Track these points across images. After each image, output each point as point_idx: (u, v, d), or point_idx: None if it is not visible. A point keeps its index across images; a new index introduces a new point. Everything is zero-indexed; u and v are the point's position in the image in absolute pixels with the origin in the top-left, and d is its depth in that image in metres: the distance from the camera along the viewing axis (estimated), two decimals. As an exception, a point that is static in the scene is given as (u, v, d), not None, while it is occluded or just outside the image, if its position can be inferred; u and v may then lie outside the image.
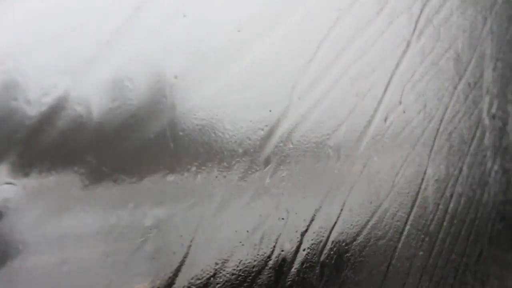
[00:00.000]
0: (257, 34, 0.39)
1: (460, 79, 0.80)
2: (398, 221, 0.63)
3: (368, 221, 0.56)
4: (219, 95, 0.36)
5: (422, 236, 0.69)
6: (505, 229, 1.07)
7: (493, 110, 0.94)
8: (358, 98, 0.52)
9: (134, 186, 0.31)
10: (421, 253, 0.68)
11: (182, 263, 0.35)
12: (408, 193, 0.65)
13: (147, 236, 0.32)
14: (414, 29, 0.62)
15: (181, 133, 0.34)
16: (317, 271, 0.48)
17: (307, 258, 0.47)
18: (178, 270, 0.34)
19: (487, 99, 0.91)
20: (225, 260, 0.39)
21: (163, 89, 0.32)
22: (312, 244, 0.47)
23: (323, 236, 0.49)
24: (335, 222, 0.50)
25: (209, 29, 0.35)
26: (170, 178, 0.33)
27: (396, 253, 0.62)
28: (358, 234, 0.55)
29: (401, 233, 0.63)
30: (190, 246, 0.35)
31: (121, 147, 0.29)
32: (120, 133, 0.29)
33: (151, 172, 0.32)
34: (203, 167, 0.36)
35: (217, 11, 0.35)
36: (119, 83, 0.29)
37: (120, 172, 0.30)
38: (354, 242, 0.54)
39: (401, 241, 0.63)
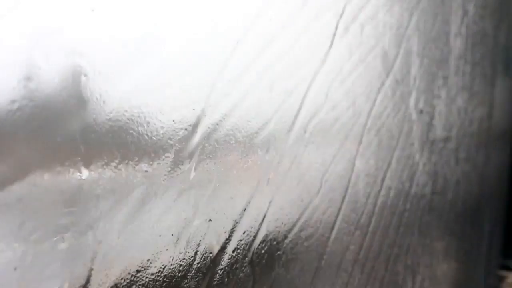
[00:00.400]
0: (174, 29, 0.38)
1: (387, 75, 0.82)
2: (329, 216, 0.63)
3: (299, 218, 0.56)
4: (135, 94, 0.35)
5: (353, 230, 0.70)
6: (433, 220, 1.11)
7: (420, 105, 0.97)
8: (284, 95, 0.52)
9: (38, 191, 0.29)
10: (352, 246, 0.69)
11: (95, 270, 0.33)
12: (338, 188, 0.65)
13: (56, 243, 0.30)
14: (339, 26, 0.62)
15: (93, 135, 0.32)
16: (247, 271, 0.48)
17: (236, 258, 0.46)
18: (89, 278, 0.32)
19: (414, 94, 0.93)
20: (147, 266, 0.37)
21: (71, 89, 0.30)
22: (241, 244, 0.47)
23: (253, 236, 0.48)
24: (264, 221, 0.50)
25: (121, 23, 0.33)
26: (82, 182, 0.32)
27: (328, 248, 0.62)
28: (289, 232, 0.54)
29: (332, 228, 0.64)
30: (106, 252, 0.34)
31: (24, 151, 0.27)
32: (22, 137, 0.27)
33: (59, 177, 0.30)
34: (119, 170, 0.34)
35: (129, 5, 0.33)
36: (18, 83, 0.26)
37: (22, 177, 0.28)
38: (285, 240, 0.54)
39: (333, 236, 0.64)
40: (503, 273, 1.23)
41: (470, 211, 1.42)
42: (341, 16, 0.62)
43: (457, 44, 1.15)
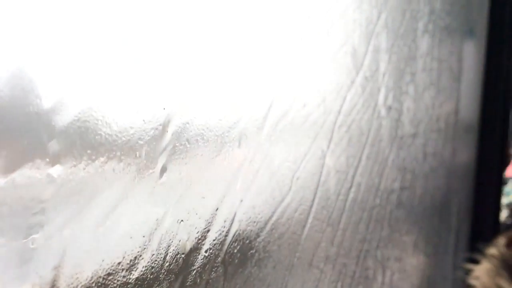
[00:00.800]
0: (144, 28, 0.37)
1: (357, 72, 0.82)
2: (300, 214, 0.64)
3: (271, 216, 0.56)
4: (104, 94, 0.34)
5: (325, 226, 0.70)
6: (402, 214, 1.13)
7: (389, 101, 0.98)
8: (254, 93, 0.52)
9: (5, 194, 0.28)
10: (323, 243, 0.70)
11: (64, 273, 0.32)
12: (310, 186, 0.66)
13: (25, 245, 0.29)
14: (307, 23, 0.62)
15: (60, 137, 0.31)
16: (220, 271, 0.48)
17: (209, 259, 0.46)
18: (58, 281, 0.32)
19: (383, 91, 0.94)
20: (118, 268, 0.36)
21: (37, 89, 0.29)
22: (214, 244, 0.46)
23: (225, 235, 0.48)
24: (236, 220, 0.50)
25: (89, 19, 0.32)
26: (50, 184, 0.31)
27: (300, 246, 0.63)
28: (261, 230, 0.54)
29: (304, 226, 0.64)
30: (75, 255, 0.33)
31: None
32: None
33: (26, 179, 0.29)
34: (88, 172, 0.34)
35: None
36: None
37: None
38: (258, 239, 0.54)
39: (304, 234, 0.64)
40: (470, 266, 1.27)
41: (438, 205, 1.45)
42: (310, 13, 0.63)
43: (424, 41, 1.17)
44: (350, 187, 0.80)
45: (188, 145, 0.43)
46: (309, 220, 0.66)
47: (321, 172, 0.70)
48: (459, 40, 1.51)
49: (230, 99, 0.49)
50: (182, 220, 0.42)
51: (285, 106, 0.60)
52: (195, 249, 0.44)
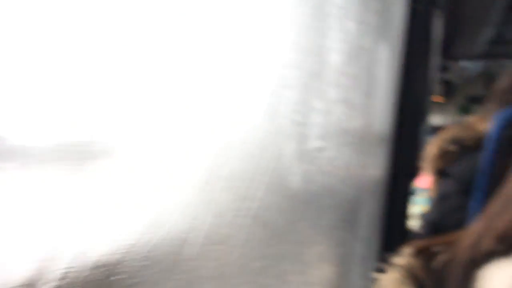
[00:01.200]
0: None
1: (261, 87, 0.82)
2: (188, 233, 0.61)
3: (150, 239, 0.54)
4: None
5: (217, 245, 0.68)
6: (307, 228, 1.13)
7: (295, 116, 0.98)
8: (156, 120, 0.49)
9: None
10: (213, 263, 0.68)
11: None
12: (198, 203, 0.63)
13: None
14: (215, 40, 0.60)
15: None
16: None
17: None
18: None
19: (289, 106, 0.94)
20: None
21: None
22: (70, 273, 0.43)
23: (79, 264, 0.44)
24: (96, 245, 0.46)
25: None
26: None
27: (181, 268, 0.60)
28: (128, 253, 0.51)
29: (183, 245, 0.61)
30: None
31: None
32: None
33: None
34: None
35: None
36: None
37: None
38: (124, 262, 0.51)
39: (191, 255, 0.61)
40: (377, 275, 1.29)
41: (345, 217, 1.48)
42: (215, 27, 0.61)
43: (334, 58, 1.19)
44: (249, 204, 0.79)
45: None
46: (199, 240, 0.64)
47: (215, 187, 0.68)
48: (370, 56, 1.55)
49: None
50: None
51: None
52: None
